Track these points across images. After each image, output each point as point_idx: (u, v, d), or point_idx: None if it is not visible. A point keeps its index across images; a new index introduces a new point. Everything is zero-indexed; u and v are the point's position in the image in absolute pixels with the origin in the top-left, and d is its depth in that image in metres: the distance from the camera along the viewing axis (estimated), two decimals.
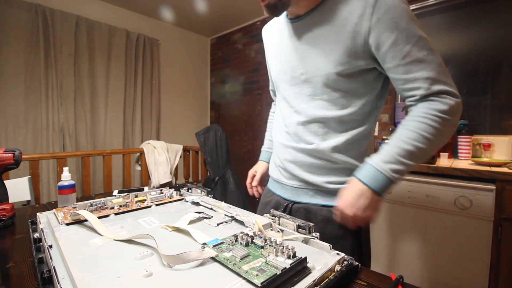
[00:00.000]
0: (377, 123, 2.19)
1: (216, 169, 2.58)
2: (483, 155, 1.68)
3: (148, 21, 3.28)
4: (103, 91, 2.87)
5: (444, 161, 1.57)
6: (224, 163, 2.61)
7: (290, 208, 0.75)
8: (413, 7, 2.03)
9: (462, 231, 1.28)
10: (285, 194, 0.78)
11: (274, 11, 0.65)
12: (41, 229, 0.58)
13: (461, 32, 1.88)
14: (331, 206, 0.68)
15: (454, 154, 1.71)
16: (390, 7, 0.56)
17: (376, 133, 2.20)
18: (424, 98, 0.58)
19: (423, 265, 1.40)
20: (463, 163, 1.49)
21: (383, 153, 0.58)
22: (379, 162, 0.58)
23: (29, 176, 1.80)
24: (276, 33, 0.78)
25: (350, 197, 0.59)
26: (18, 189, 1.68)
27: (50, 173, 2.48)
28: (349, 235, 0.68)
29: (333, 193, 0.69)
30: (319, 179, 0.70)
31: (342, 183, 0.68)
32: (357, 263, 0.49)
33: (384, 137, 2.02)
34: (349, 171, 0.68)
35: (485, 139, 1.68)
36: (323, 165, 0.70)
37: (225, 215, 0.70)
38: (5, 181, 0.80)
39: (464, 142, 1.63)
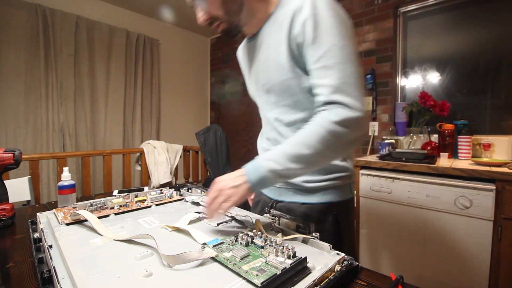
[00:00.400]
0: (377, 123, 2.19)
1: (216, 169, 2.58)
2: (483, 155, 1.68)
3: (148, 21, 3.28)
4: (103, 91, 2.87)
5: (444, 161, 1.57)
6: (224, 163, 2.61)
7: (274, 207, 0.78)
8: (413, 7, 2.03)
9: (462, 231, 1.28)
10: (270, 194, 0.82)
11: (229, 35, 0.71)
12: (41, 229, 0.58)
13: (461, 32, 1.88)
14: (310, 204, 0.71)
15: (454, 154, 1.71)
16: (314, 12, 0.58)
17: (376, 133, 2.20)
18: (322, 105, 0.58)
19: (423, 265, 1.40)
20: (463, 163, 1.49)
21: (272, 151, 0.59)
22: (263, 158, 0.58)
23: (29, 176, 1.80)
24: (244, 53, 0.85)
25: (228, 176, 0.59)
26: (18, 189, 1.68)
27: (50, 173, 2.48)
28: (327, 233, 0.70)
29: (311, 191, 0.72)
30: (297, 179, 0.72)
31: (320, 181, 0.71)
32: (357, 263, 0.49)
33: (384, 137, 2.02)
34: (325, 170, 0.71)
35: (485, 139, 1.68)
36: None
37: (225, 215, 0.70)
38: (5, 181, 0.80)
39: (464, 142, 1.63)
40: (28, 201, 1.73)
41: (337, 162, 0.72)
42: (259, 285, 0.38)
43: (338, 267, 0.46)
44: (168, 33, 3.50)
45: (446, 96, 1.94)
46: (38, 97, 2.46)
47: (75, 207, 0.73)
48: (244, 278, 0.41)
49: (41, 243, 0.57)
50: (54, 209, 0.73)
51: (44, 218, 0.69)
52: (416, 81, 2.10)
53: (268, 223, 0.61)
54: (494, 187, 1.20)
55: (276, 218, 0.65)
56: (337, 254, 0.49)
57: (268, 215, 0.66)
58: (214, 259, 0.47)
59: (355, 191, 0.79)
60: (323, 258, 0.48)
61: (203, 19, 0.68)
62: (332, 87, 0.56)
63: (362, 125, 0.58)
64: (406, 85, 2.14)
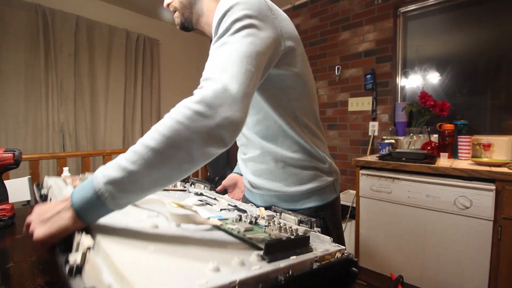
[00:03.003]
0: (377, 122, 2.19)
1: (216, 169, 2.58)
2: (483, 155, 1.68)
3: (148, 21, 3.29)
4: (103, 91, 2.87)
5: (444, 161, 1.57)
6: (224, 163, 2.61)
7: None
8: (413, 7, 2.04)
9: (462, 231, 1.28)
10: (256, 201, 0.81)
11: (182, 27, 0.74)
12: (50, 186, 0.60)
13: (461, 32, 1.88)
14: (295, 210, 0.69)
15: (454, 154, 1.71)
16: (220, 5, 0.56)
17: (376, 133, 2.20)
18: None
19: (423, 265, 1.40)
20: (463, 163, 1.49)
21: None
22: (101, 168, 0.41)
23: (29, 176, 1.80)
24: None
25: (51, 203, 0.44)
26: (18, 189, 1.67)
27: (50, 173, 2.47)
28: None
29: (295, 197, 0.70)
30: (276, 185, 0.70)
31: (301, 184, 0.69)
32: (356, 258, 0.49)
33: (384, 137, 2.02)
34: (306, 172, 0.69)
35: (485, 139, 1.68)
36: (275, 169, 0.70)
37: (228, 204, 0.70)
38: (5, 181, 0.80)
39: (464, 142, 1.63)
40: (28, 201, 1.73)
41: (316, 161, 0.69)
42: (263, 247, 0.37)
43: (339, 254, 0.46)
44: (168, 33, 3.50)
45: (446, 96, 1.94)
46: (38, 97, 2.45)
47: None
48: (248, 243, 0.41)
49: None
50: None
51: (51, 182, 0.71)
52: (416, 81, 2.10)
53: (270, 215, 0.61)
54: (494, 187, 1.20)
55: (278, 213, 0.64)
56: (338, 246, 0.49)
57: (269, 210, 0.66)
58: (219, 228, 0.47)
59: (339, 188, 0.78)
60: (324, 247, 0.48)
61: (166, 3, 0.70)
62: (204, 75, 0.53)
63: (226, 101, 0.45)
64: (406, 85, 2.15)
